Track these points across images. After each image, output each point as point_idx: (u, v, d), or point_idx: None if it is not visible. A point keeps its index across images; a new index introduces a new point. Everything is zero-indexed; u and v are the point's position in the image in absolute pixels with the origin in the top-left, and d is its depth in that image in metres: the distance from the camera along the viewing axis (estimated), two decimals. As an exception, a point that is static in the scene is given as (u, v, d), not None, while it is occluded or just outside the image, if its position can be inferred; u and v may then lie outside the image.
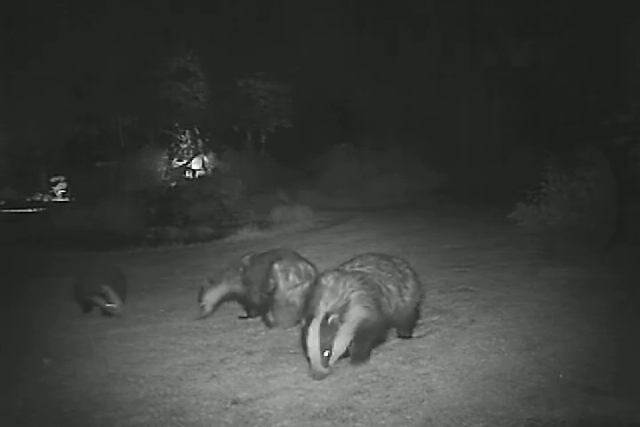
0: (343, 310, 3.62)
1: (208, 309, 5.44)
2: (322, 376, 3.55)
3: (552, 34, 17.55)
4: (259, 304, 5.23)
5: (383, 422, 3.07)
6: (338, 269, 4.02)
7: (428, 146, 18.70)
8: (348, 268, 4.08)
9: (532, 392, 3.29)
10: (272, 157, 21.45)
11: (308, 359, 3.58)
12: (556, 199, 8.20)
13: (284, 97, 21.68)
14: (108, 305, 5.66)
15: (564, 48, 16.93)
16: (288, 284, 4.97)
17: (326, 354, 3.52)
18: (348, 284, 3.76)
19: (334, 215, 14.39)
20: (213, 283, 5.45)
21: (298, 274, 5.00)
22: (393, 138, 19.54)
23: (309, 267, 5.11)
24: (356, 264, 4.12)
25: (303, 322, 3.67)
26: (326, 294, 3.69)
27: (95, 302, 5.77)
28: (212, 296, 5.42)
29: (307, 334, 3.54)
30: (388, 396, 3.37)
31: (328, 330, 3.51)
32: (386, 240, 9.54)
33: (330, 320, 3.53)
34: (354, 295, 3.72)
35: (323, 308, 3.62)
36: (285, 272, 5.00)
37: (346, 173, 19.13)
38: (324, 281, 3.80)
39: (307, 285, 4.95)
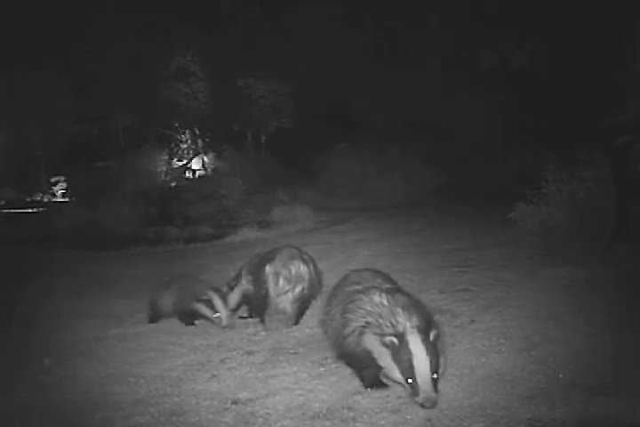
0: (430, 327, 3.19)
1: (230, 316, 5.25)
2: (435, 403, 3.03)
3: (552, 34, 17.53)
4: (257, 305, 5.22)
5: (383, 422, 3.08)
6: (384, 289, 3.59)
7: (428, 146, 18.68)
8: (387, 286, 3.69)
9: (532, 392, 3.29)
10: (272, 157, 21.43)
11: (413, 384, 3.03)
12: (556, 199, 8.15)
13: (284, 97, 21.64)
14: (215, 315, 5.05)
15: (564, 48, 16.91)
16: (277, 290, 4.83)
17: (435, 376, 3.04)
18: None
19: (334, 215, 14.37)
20: (230, 287, 5.44)
21: (288, 279, 4.80)
22: (393, 138, 19.51)
23: (302, 268, 4.85)
24: (381, 280, 3.81)
25: (384, 341, 3.14)
26: (400, 310, 3.26)
27: (199, 312, 5.14)
28: (230, 302, 5.34)
29: (409, 354, 3.04)
30: (387, 396, 3.37)
31: (432, 348, 3.07)
32: (386, 240, 9.53)
33: (432, 337, 3.11)
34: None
35: (409, 323, 3.16)
36: (276, 276, 4.82)
37: (346, 173, 19.09)
38: (386, 301, 3.37)
39: (298, 289, 4.83)
